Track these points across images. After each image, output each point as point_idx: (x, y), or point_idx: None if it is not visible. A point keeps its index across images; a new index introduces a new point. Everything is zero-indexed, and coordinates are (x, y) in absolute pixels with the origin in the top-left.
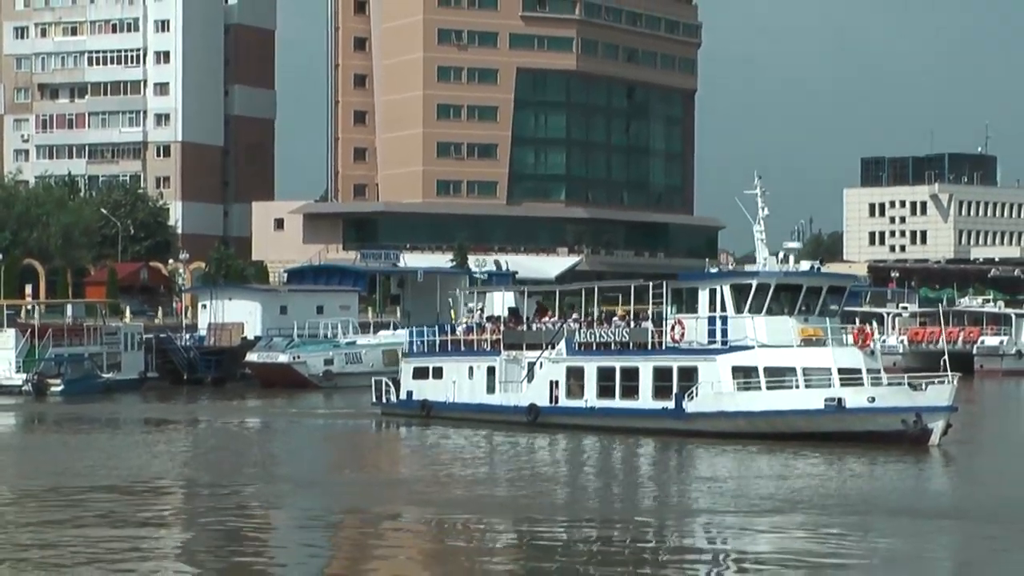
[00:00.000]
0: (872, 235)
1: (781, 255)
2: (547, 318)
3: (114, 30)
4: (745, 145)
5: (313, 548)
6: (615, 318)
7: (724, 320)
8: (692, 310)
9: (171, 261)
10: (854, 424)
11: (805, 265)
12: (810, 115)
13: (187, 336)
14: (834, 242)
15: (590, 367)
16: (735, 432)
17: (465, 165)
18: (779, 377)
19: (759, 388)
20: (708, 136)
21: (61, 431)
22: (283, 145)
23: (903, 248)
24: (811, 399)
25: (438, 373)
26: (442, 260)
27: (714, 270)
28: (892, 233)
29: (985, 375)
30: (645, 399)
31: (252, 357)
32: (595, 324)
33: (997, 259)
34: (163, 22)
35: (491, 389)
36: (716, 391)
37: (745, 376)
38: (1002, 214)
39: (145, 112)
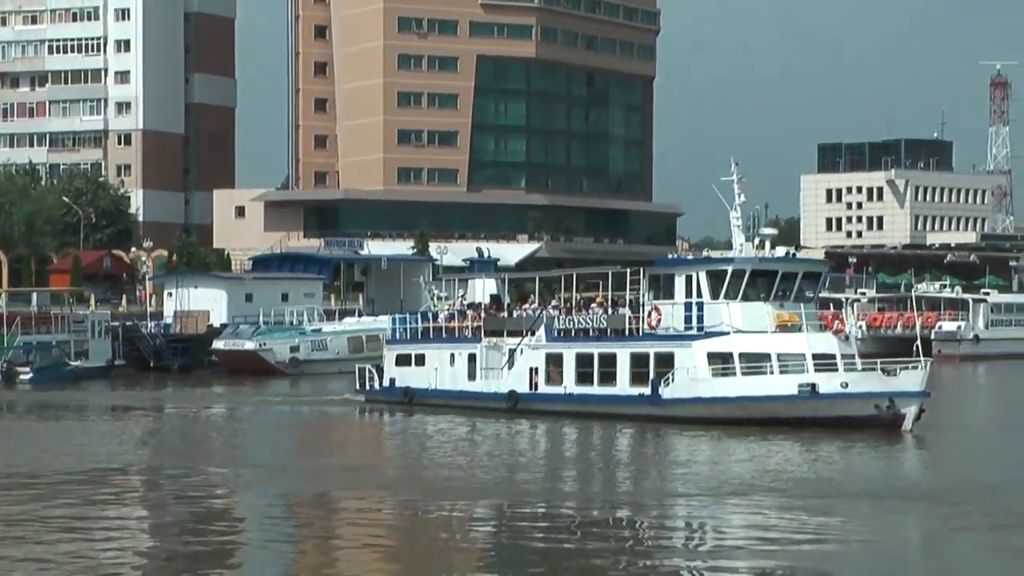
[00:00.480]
0: (829, 221)
1: (757, 241)
2: (527, 305)
3: (74, 19)
4: (703, 132)
5: (281, 530)
6: (593, 305)
7: (700, 306)
8: (669, 296)
9: (134, 249)
10: (828, 409)
11: (781, 251)
12: (767, 101)
13: (153, 324)
14: (791, 228)
15: (569, 354)
16: (711, 418)
17: (425, 152)
18: (754, 363)
19: (734, 374)
20: (666, 123)
21: (32, 419)
22: (244, 133)
23: (860, 234)
24: (785, 385)
25: (420, 360)
26: (403, 247)
27: (675, 256)
28: (849, 219)
29: (943, 360)
30: (623, 385)
31: (219, 344)
32: (573, 311)
33: (953, 244)
34: (123, 10)
35: (472, 376)
36: (692, 377)
37: (721, 362)
38: (958, 199)
39: (106, 100)
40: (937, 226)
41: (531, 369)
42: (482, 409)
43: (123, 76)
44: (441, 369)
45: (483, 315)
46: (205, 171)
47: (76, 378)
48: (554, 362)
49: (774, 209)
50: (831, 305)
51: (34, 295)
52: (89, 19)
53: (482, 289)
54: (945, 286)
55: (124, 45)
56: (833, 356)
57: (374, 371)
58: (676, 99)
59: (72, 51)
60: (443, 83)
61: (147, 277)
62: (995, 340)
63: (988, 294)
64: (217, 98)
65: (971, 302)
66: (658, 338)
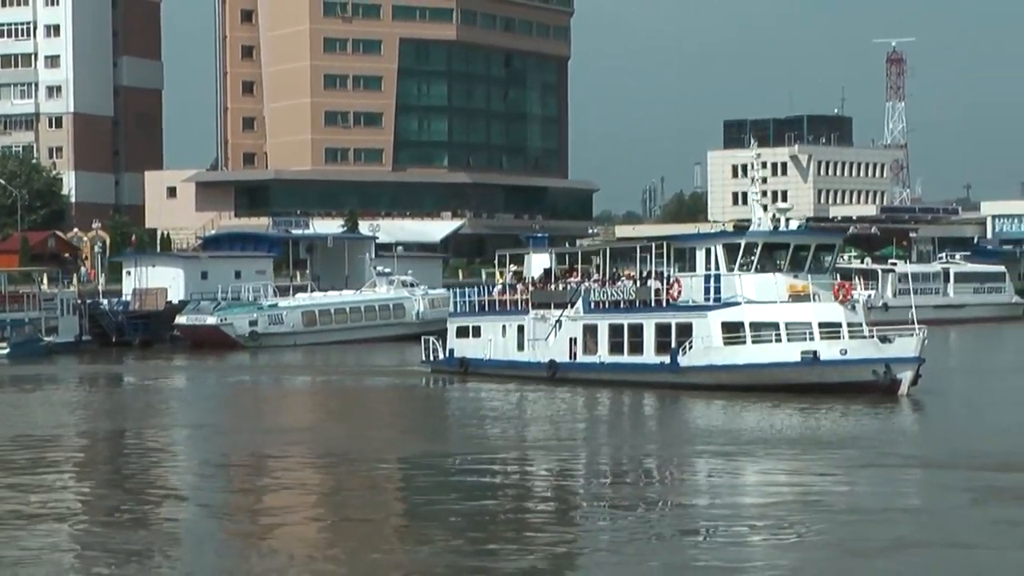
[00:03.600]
0: (735, 195)
1: (771, 215)
2: (572, 278)
3: (4, 4)
4: (614, 110)
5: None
6: (623, 277)
7: (718, 278)
8: (692, 269)
9: (76, 230)
10: (829, 375)
11: (794, 224)
12: (674, 79)
13: (114, 301)
14: (695, 202)
15: (603, 325)
16: (723, 385)
17: (352, 133)
18: (764, 332)
19: (744, 343)
20: (580, 102)
21: (25, 390)
22: (171, 115)
23: (765, 208)
24: (790, 352)
25: (476, 332)
26: (333, 226)
27: (594, 231)
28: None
29: None
30: (648, 354)
31: (181, 320)
32: (606, 283)
33: (855, 217)
34: None
35: (521, 347)
36: (706, 346)
37: (733, 331)
38: (858, 174)
39: (36, 84)
40: (839, 199)
41: (570, 339)
42: (526, 378)
43: (53, 60)
44: (494, 340)
45: (531, 288)
46: (134, 152)
47: (49, 353)
48: (590, 333)
49: (680, 183)
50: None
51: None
52: (18, 4)
53: (538, 264)
54: (857, 257)
55: (53, 30)
56: (839, 324)
57: (437, 343)
58: (589, 79)
59: (2, 36)
60: (368, 66)
61: (104, 257)
62: (902, 308)
63: (895, 264)
64: (145, 81)
65: (880, 272)
66: (679, 309)
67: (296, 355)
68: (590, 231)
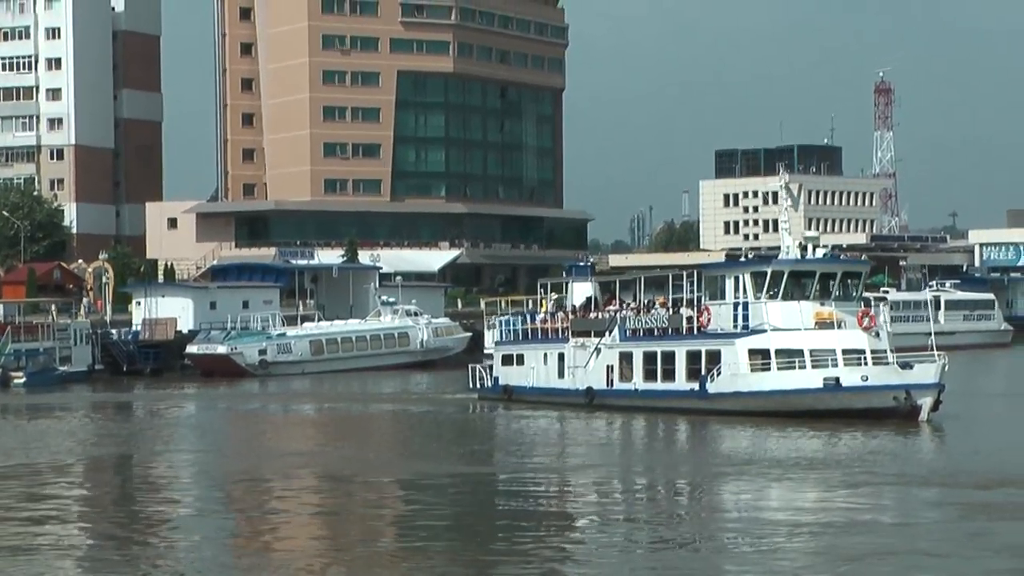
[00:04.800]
0: (727, 224)
1: (799, 243)
2: (611, 306)
3: (6, 38)
4: (609, 141)
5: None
6: (656, 305)
7: (746, 306)
8: (721, 297)
9: (80, 261)
10: (851, 402)
11: (820, 253)
12: (664, 110)
13: (124, 331)
14: (686, 231)
15: (637, 352)
16: (750, 411)
17: (350, 164)
18: (789, 359)
19: (769, 369)
20: (574, 132)
21: (41, 417)
22: (172, 146)
23: (756, 236)
24: (813, 379)
25: (520, 360)
26: (332, 256)
27: (582, 260)
28: (746, 222)
29: None
30: (680, 381)
31: (192, 349)
32: (640, 312)
33: (844, 245)
34: (54, 29)
35: (561, 374)
36: (733, 373)
37: (760, 358)
38: (848, 203)
39: (38, 117)
40: (829, 228)
41: (607, 367)
42: (565, 404)
43: (54, 93)
44: (536, 368)
45: (571, 316)
46: (135, 184)
47: (63, 381)
48: (626, 360)
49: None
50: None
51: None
52: (20, 38)
53: (581, 292)
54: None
55: (55, 63)
56: (863, 351)
57: (483, 371)
58: (584, 110)
59: (4, 69)
60: (366, 98)
61: (117, 288)
62: (895, 335)
63: (887, 292)
64: (145, 113)
65: (872, 300)
66: (708, 336)
67: (304, 383)
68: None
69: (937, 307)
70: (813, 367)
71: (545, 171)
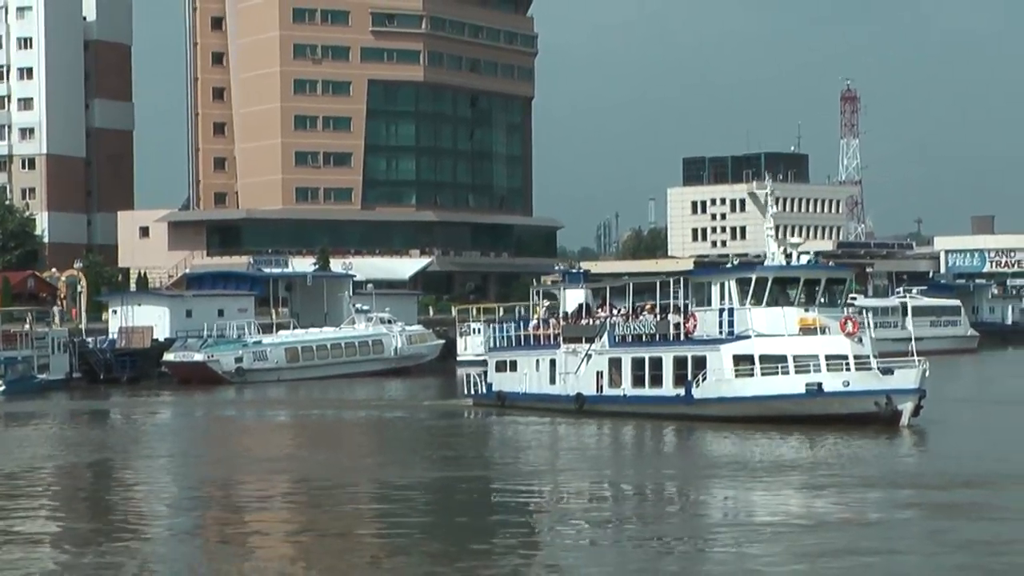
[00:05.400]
0: (695, 231)
1: (783, 249)
2: (602, 312)
3: None
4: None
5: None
6: (644, 311)
7: (731, 312)
8: (708, 303)
9: (53, 270)
10: (833, 407)
11: (804, 259)
12: (635, 119)
13: (100, 339)
14: (654, 238)
15: (626, 358)
16: (734, 416)
17: (321, 173)
18: (772, 364)
19: (753, 375)
20: (544, 140)
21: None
22: (143, 155)
23: (724, 243)
24: (795, 384)
25: (513, 366)
26: (304, 264)
27: (558, 267)
28: (714, 229)
29: None
30: (668, 387)
31: (169, 357)
32: (629, 318)
33: (812, 252)
34: (26, 39)
35: (552, 380)
36: (717, 378)
37: (744, 364)
38: (815, 210)
39: (10, 126)
40: (796, 235)
41: (597, 373)
42: (557, 410)
43: (26, 103)
44: (529, 374)
45: (562, 323)
46: (106, 193)
47: (43, 389)
48: (615, 366)
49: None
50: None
51: None
52: None
53: (574, 299)
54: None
55: (26, 73)
56: (845, 356)
57: (478, 377)
58: (553, 118)
59: None
60: (337, 107)
61: (83, 297)
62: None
63: (855, 299)
64: (116, 122)
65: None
66: (694, 342)
67: (280, 390)
68: (556, 268)
69: (904, 313)
70: (796, 373)
71: (515, 179)
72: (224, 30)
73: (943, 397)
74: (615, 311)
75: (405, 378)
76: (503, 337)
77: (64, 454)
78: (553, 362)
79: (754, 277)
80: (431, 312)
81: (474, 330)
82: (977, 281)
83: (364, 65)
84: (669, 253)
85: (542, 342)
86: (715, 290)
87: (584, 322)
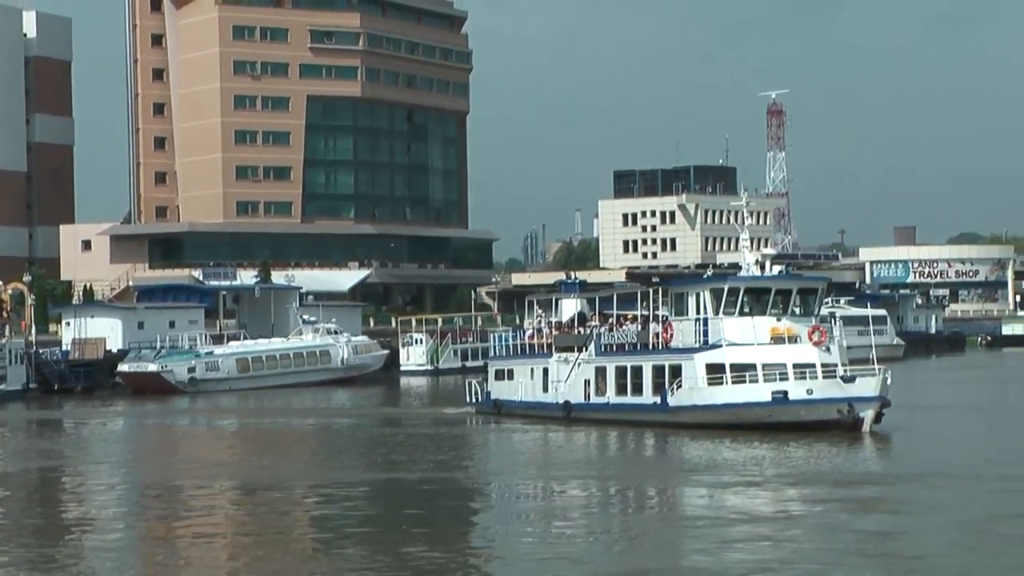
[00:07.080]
0: (626, 243)
1: (755, 259)
2: (592, 322)
3: None
4: (511, 162)
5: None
6: (627, 321)
7: (706, 322)
8: (685, 313)
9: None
10: (798, 414)
11: (776, 270)
12: (562, 131)
13: (53, 350)
14: (584, 249)
15: (610, 367)
16: (706, 423)
17: (262, 187)
18: (742, 372)
19: (723, 383)
20: (478, 154)
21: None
22: (83, 170)
23: (655, 255)
24: (763, 392)
25: (510, 375)
26: (245, 276)
27: (496, 279)
28: (644, 241)
29: None
30: (647, 395)
31: (123, 367)
32: (615, 327)
33: (740, 263)
34: None
35: (545, 388)
36: (691, 386)
37: (717, 372)
38: (743, 221)
39: None
40: (726, 247)
41: (585, 381)
42: (547, 418)
43: None
44: (524, 382)
45: (555, 332)
46: (47, 207)
47: (1, 400)
48: (601, 375)
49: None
50: None
51: None
52: None
53: (568, 309)
54: None
55: None
56: (813, 365)
57: (478, 386)
58: (488, 132)
59: None
60: (276, 122)
61: (47, 309)
62: None
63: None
64: (57, 137)
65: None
66: (671, 351)
67: (232, 399)
68: (494, 279)
69: (833, 323)
70: (764, 381)
71: (451, 192)
72: (164, 46)
73: (938, 406)
74: (608, 320)
75: (351, 388)
76: (502, 346)
77: (17, 461)
78: (546, 371)
79: (726, 287)
80: (371, 323)
81: (416, 340)
82: (901, 291)
83: (303, 81)
84: (601, 265)
85: (536, 351)
86: (692, 300)
87: (576, 331)
